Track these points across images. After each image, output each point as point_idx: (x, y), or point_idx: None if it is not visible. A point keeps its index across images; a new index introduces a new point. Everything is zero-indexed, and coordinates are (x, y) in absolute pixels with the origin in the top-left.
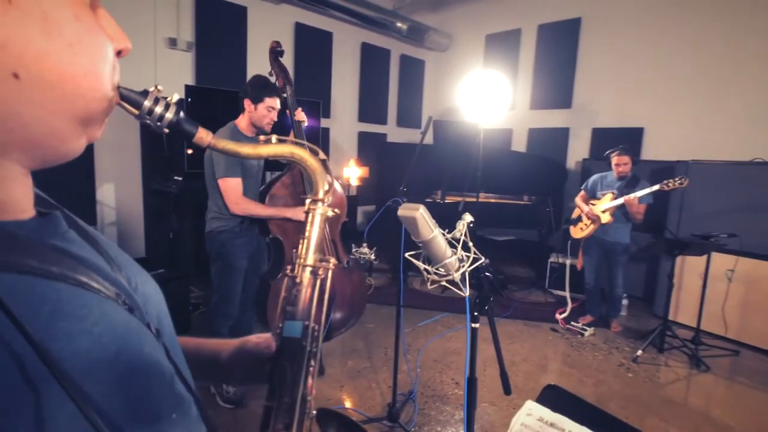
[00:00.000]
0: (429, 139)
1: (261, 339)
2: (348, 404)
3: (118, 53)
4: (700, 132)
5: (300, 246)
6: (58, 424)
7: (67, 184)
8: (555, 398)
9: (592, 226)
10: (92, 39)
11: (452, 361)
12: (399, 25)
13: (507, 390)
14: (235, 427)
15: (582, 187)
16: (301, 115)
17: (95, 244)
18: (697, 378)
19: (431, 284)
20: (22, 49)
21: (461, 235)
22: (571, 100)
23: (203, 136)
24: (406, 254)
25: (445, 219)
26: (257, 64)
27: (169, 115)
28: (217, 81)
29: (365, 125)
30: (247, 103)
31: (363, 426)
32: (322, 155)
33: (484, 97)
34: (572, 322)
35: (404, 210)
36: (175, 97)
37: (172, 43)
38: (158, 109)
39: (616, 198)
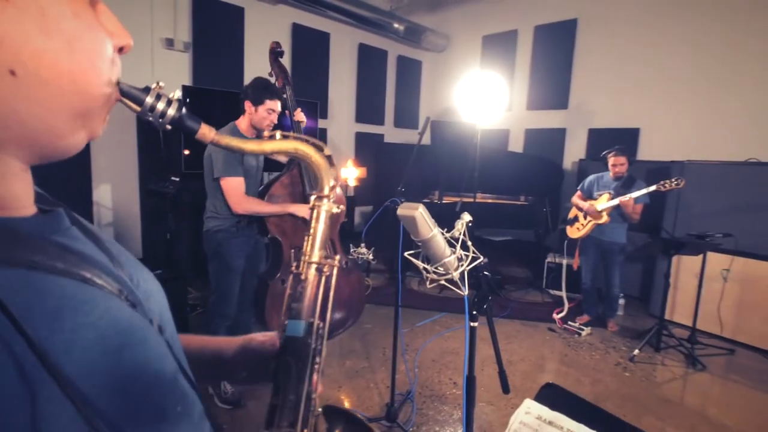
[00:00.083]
0: (426, 139)
1: (266, 337)
2: (346, 404)
3: (120, 50)
4: (696, 132)
5: (305, 243)
6: (55, 426)
7: (64, 184)
8: (553, 396)
9: (589, 226)
10: (91, 36)
11: (450, 361)
12: (396, 25)
13: (506, 389)
14: (233, 428)
15: (578, 188)
16: (300, 115)
17: (97, 241)
18: (693, 377)
19: (430, 283)
20: (19, 45)
21: (460, 234)
22: (567, 100)
23: (206, 132)
24: (405, 253)
25: (443, 219)
26: (254, 65)
27: (171, 112)
28: (214, 81)
29: (362, 126)
30: (248, 105)
31: (369, 424)
32: (327, 151)
33: (481, 98)
34: (569, 322)
35: (403, 209)
36: (177, 94)
37: (169, 43)
38: (160, 106)
39: (612, 198)
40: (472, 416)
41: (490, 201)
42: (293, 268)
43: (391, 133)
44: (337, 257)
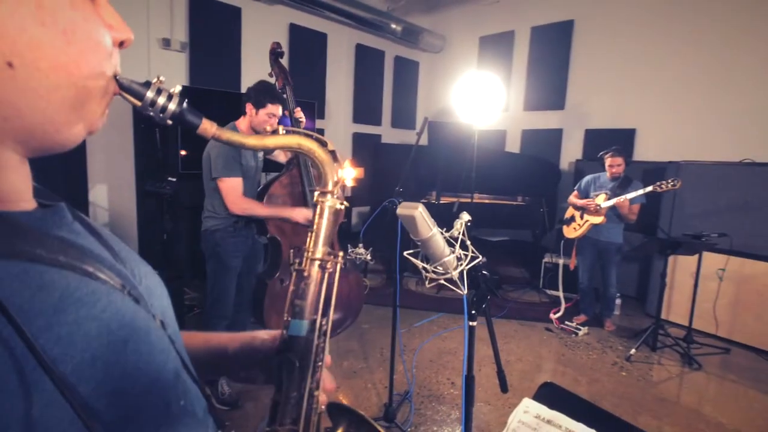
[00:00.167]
0: (424, 140)
1: (270, 336)
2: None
3: (121, 44)
4: (692, 133)
5: (308, 239)
6: (50, 424)
7: (59, 184)
8: (551, 395)
9: (585, 226)
10: (88, 27)
11: (448, 361)
12: (393, 26)
13: (504, 388)
14: (230, 429)
15: (575, 188)
16: (300, 113)
17: (99, 236)
18: (689, 376)
19: (429, 283)
20: (15, 37)
21: (459, 233)
22: (564, 101)
23: (207, 127)
24: (405, 253)
25: (440, 219)
26: (251, 65)
27: (172, 106)
28: (211, 82)
29: (360, 126)
30: (249, 107)
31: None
32: (331, 146)
33: (478, 99)
34: (566, 322)
35: (403, 209)
36: (178, 88)
37: (166, 43)
38: (161, 101)
39: (609, 198)
40: (471, 414)
41: (487, 201)
42: (296, 264)
43: (388, 134)
44: (341, 253)
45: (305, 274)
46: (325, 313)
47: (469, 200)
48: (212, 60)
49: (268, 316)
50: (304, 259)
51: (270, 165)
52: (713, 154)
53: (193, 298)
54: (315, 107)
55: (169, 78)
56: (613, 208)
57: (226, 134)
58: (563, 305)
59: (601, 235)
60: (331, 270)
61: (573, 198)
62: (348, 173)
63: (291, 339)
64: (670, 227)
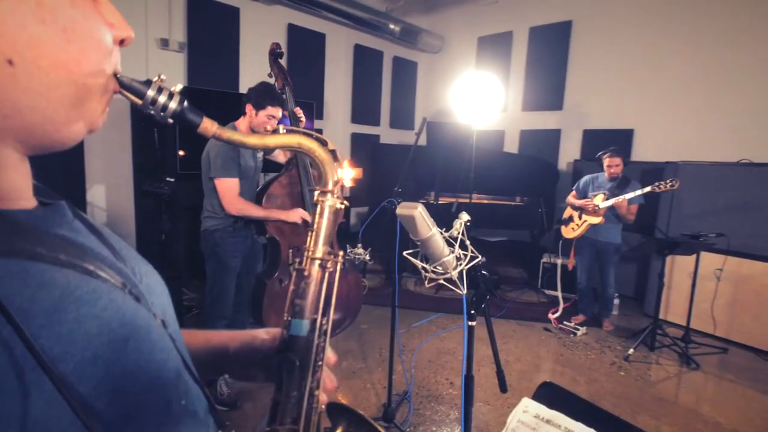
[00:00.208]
0: (422, 140)
1: (270, 335)
2: None
3: (121, 42)
4: (690, 133)
5: (309, 238)
6: (48, 423)
7: (57, 184)
8: (551, 395)
9: (583, 226)
10: (88, 25)
11: (446, 361)
12: (392, 26)
13: (503, 388)
14: (230, 429)
15: (573, 188)
16: (299, 112)
17: (99, 235)
18: (687, 375)
19: (429, 282)
20: (15, 34)
21: (458, 233)
22: (562, 102)
23: (208, 126)
24: (404, 252)
25: (439, 220)
26: (250, 66)
27: (173, 105)
28: (209, 82)
29: (358, 126)
30: (249, 108)
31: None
32: (331, 145)
33: (476, 99)
34: (565, 322)
35: (403, 208)
36: (179, 87)
37: (164, 43)
38: (162, 99)
39: (607, 198)
40: (471, 414)
41: (485, 201)
42: (296, 264)
43: (386, 134)
44: (341, 253)
45: (306, 273)
46: (325, 313)
47: (467, 200)
48: (210, 60)
49: (267, 316)
50: (305, 258)
51: (270, 165)
52: (711, 154)
53: (191, 299)
54: (313, 107)
55: (167, 78)
56: (611, 208)
57: (227, 133)
58: (561, 305)
59: (600, 236)
60: (331, 270)
61: (571, 198)
62: (346, 173)
63: (291, 338)
64: (668, 227)
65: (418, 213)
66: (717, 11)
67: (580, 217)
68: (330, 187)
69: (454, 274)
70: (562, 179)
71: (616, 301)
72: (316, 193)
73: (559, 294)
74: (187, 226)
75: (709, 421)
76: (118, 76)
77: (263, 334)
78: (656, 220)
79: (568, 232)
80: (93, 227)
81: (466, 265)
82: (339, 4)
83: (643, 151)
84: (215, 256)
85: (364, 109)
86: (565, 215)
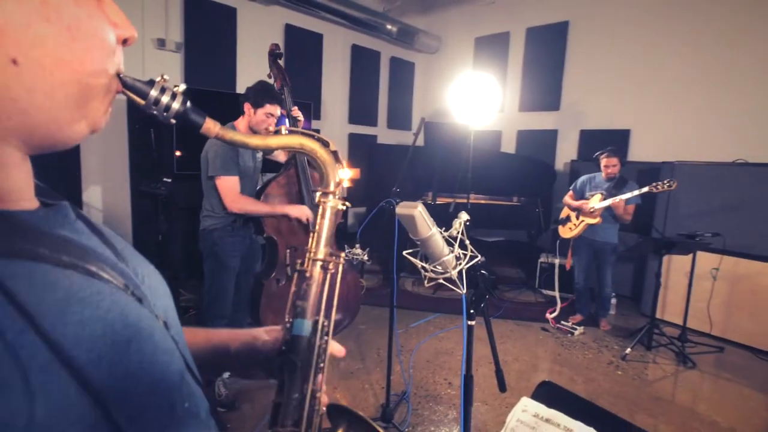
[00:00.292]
0: (420, 140)
1: (271, 335)
2: None
3: (124, 42)
4: (686, 134)
5: (310, 239)
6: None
7: (54, 185)
8: (549, 394)
9: (581, 226)
10: (92, 24)
11: (444, 361)
12: (389, 27)
13: (502, 387)
14: (230, 431)
15: (570, 188)
16: (297, 112)
17: (101, 235)
18: (683, 375)
19: (428, 282)
20: (20, 33)
21: (458, 233)
22: (559, 102)
23: (211, 126)
24: (404, 252)
25: (437, 220)
26: (247, 66)
27: (176, 105)
28: (206, 82)
29: (356, 127)
30: (247, 107)
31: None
32: (333, 146)
33: (473, 99)
34: (562, 322)
35: (402, 208)
36: (182, 87)
37: (161, 43)
38: (165, 99)
39: (604, 199)
40: (470, 413)
41: (483, 202)
42: (298, 265)
43: (384, 134)
44: (342, 254)
45: (307, 274)
46: (327, 314)
47: (465, 201)
48: (207, 60)
49: (264, 316)
50: (306, 259)
51: (270, 166)
52: (707, 154)
53: (188, 300)
54: (311, 108)
55: None
56: (608, 208)
57: (229, 134)
58: (559, 305)
59: (597, 236)
60: (332, 270)
61: (568, 199)
62: (344, 174)
63: (293, 339)
64: (664, 227)
65: (418, 212)
66: (713, 11)
67: (577, 218)
68: (332, 188)
69: (454, 273)
70: (559, 179)
71: (613, 301)
72: (318, 194)
73: (556, 294)
74: (183, 227)
75: (706, 420)
76: (121, 75)
77: (264, 335)
78: (653, 220)
79: (566, 232)
80: (95, 228)
81: (466, 264)
82: (336, 4)
83: (639, 152)
84: (214, 256)
85: (361, 109)
86: (563, 215)
